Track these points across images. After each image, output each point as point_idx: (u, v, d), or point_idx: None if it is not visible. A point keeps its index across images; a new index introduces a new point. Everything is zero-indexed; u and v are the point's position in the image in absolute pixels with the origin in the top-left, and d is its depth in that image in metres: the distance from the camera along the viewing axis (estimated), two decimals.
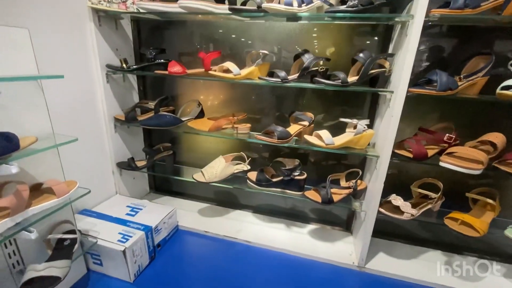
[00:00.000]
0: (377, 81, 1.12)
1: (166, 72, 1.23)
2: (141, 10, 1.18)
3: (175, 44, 1.49)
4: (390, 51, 1.18)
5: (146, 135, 1.68)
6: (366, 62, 1.06)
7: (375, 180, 1.14)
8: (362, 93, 1.31)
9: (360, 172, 1.29)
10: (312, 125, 1.29)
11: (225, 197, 1.74)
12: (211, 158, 1.44)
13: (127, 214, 1.35)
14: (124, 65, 1.29)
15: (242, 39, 1.40)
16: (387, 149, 1.08)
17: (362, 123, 1.17)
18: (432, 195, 1.17)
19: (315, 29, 1.28)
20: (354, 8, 0.96)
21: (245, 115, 1.37)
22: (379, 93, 1.22)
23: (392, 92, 1.06)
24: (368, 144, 1.22)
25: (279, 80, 1.14)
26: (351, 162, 1.46)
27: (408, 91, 0.99)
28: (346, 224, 1.56)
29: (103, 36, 1.30)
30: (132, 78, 1.54)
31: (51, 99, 0.94)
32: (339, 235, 1.50)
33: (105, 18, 1.29)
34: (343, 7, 0.98)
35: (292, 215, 1.63)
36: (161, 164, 1.58)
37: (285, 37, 1.33)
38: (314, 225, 1.59)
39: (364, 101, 1.34)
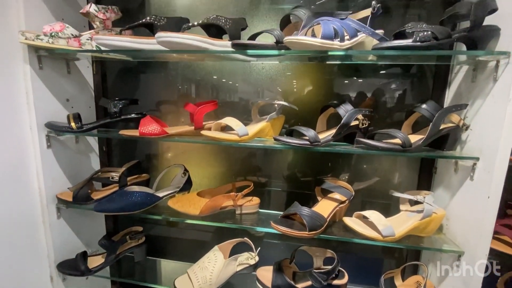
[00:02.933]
0: (446, 141, 0.78)
1: (136, 134, 0.82)
2: (103, 48, 0.82)
3: (153, 91, 1.12)
4: (448, 100, 0.88)
5: (109, 216, 1.20)
6: (435, 117, 0.72)
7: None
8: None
9: (427, 271, 0.88)
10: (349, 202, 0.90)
11: None
12: (201, 245, 0.98)
13: None
14: (72, 124, 0.87)
15: (241, 84, 1.06)
16: (481, 244, 0.70)
17: (429, 200, 0.80)
18: None
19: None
20: (418, 44, 0.64)
21: (251, 187, 0.96)
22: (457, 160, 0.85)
23: (477, 159, 0.71)
24: None
25: (308, 143, 0.77)
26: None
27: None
28: None
29: (46, 83, 0.90)
30: (92, 137, 1.12)
31: None
32: None
33: (50, 59, 0.90)
34: (398, 42, 0.66)
35: None
36: (129, 257, 1.08)
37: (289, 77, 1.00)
38: None
39: (412, 164, 0.99)
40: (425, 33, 0.63)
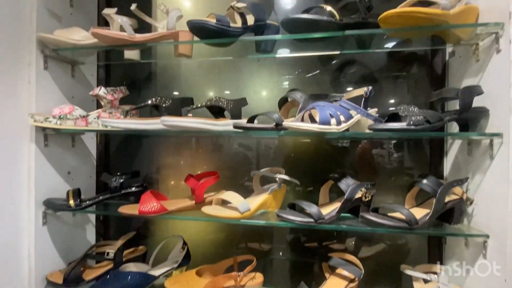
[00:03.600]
0: (452, 215, 0.77)
1: (136, 213, 0.81)
2: (109, 127, 0.85)
3: (154, 157, 1.13)
4: (447, 169, 0.89)
5: None
6: (438, 193, 0.72)
7: None
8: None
9: None
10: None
11: None
12: None
13: None
14: (71, 202, 0.86)
15: (242, 149, 1.08)
16: None
17: (444, 280, 0.75)
18: None
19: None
20: (412, 127, 0.67)
21: (253, 263, 0.91)
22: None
23: (487, 236, 0.69)
24: None
25: (312, 220, 0.75)
26: None
27: None
28: None
29: (49, 159, 0.91)
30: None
31: None
32: None
33: (56, 136, 0.93)
34: (393, 125, 0.69)
35: None
36: None
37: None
38: None
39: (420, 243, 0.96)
40: (418, 117, 0.66)
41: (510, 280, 0.63)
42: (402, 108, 0.70)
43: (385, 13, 0.64)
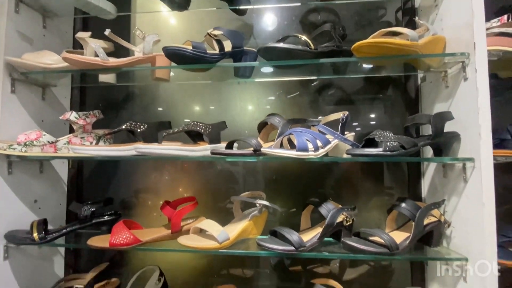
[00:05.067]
0: (431, 237, 0.77)
1: (106, 245, 0.75)
2: (79, 155, 0.80)
3: (129, 184, 1.08)
4: (425, 190, 0.90)
5: None
6: (416, 217, 0.72)
7: None
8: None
9: None
10: None
11: None
12: None
13: None
14: (35, 234, 0.79)
15: (223, 172, 1.05)
16: None
17: None
18: None
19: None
20: (388, 153, 0.68)
21: None
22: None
23: (466, 259, 0.69)
24: None
25: (293, 248, 0.72)
26: None
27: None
28: None
29: (13, 188, 0.85)
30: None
31: None
32: None
33: (21, 163, 0.87)
34: (370, 151, 0.70)
35: None
36: None
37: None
38: None
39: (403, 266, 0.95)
40: (394, 143, 0.67)
41: None
42: (378, 133, 0.71)
43: (357, 44, 0.66)
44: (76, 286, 0.86)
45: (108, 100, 1.08)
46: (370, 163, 0.99)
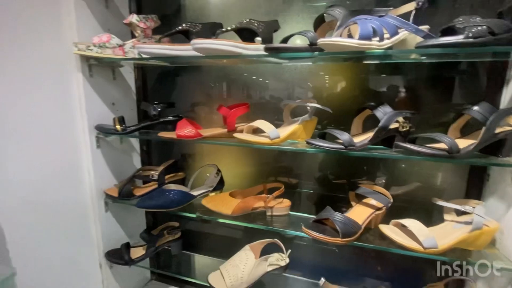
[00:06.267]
0: (502, 147, 0.70)
1: (174, 136, 0.87)
2: (144, 56, 0.87)
3: (188, 93, 1.17)
4: (505, 100, 0.78)
5: (149, 211, 1.29)
6: (490, 120, 0.65)
7: None
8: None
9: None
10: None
11: None
12: (232, 242, 1.01)
13: None
14: (117, 126, 0.95)
15: (273, 84, 1.05)
16: None
17: (480, 211, 0.72)
18: None
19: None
20: (471, 40, 0.58)
21: (281, 189, 0.96)
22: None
23: None
24: None
25: (342, 146, 0.74)
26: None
27: None
28: None
29: (95, 89, 0.99)
30: (134, 138, 1.21)
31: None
32: None
33: (98, 67, 0.99)
34: (446, 39, 0.60)
35: None
36: (166, 250, 1.16)
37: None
38: None
39: (460, 170, 0.90)
40: (479, 28, 0.56)
41: None
42: (461, 19, 0.60)
43: None
44: (152, 173, 1.04)
45: (162, 11, 1.09)
46: (437, 69, 0.87)
